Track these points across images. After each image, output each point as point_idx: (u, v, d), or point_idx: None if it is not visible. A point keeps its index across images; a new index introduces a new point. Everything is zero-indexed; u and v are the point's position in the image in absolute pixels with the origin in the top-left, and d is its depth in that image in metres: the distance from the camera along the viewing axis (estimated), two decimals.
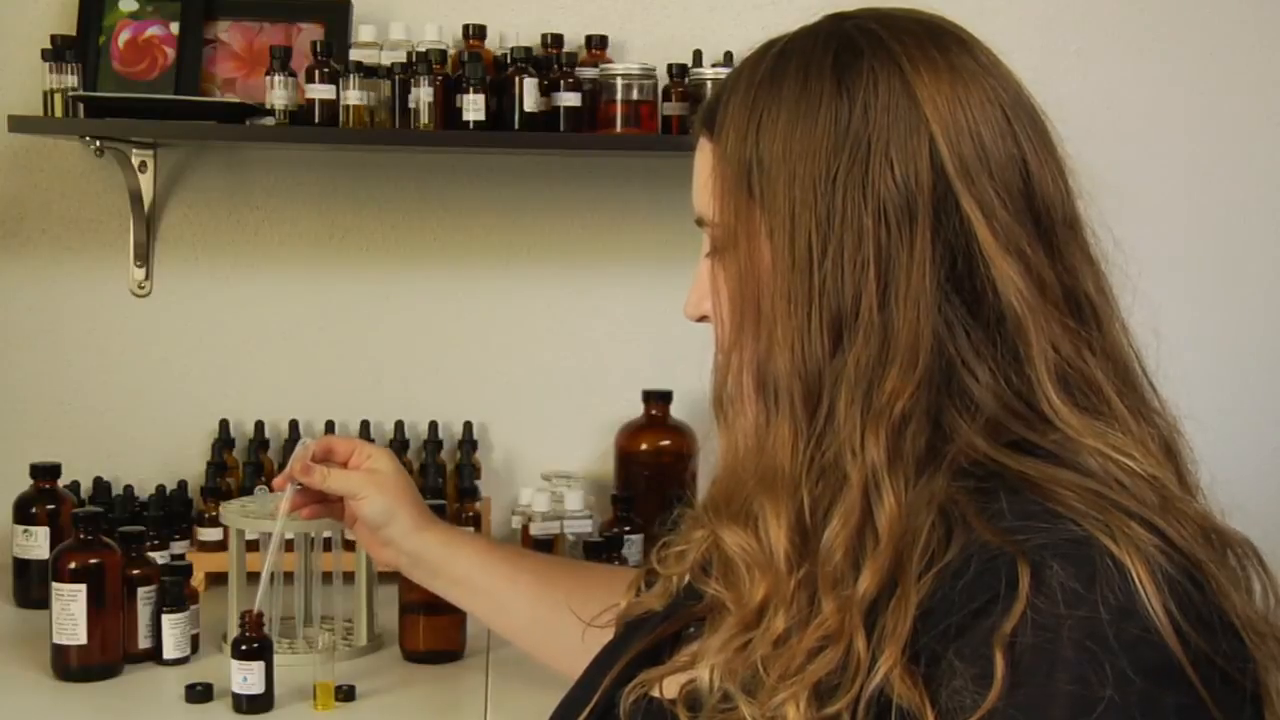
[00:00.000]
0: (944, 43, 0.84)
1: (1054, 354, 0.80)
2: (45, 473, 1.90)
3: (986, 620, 0.71)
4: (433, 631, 1.71)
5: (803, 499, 0.80)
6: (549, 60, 2.00)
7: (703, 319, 0.93)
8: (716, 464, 0.89)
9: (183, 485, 2.05)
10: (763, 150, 0.83)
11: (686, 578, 0.96)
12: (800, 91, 0.83)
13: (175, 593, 1.67)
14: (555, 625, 1.26)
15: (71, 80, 1.95)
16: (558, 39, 2.04)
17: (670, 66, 2.02)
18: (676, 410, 2.09)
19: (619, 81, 1.97)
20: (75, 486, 2.01)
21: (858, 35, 0.84)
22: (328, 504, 1.40)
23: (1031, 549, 0.72)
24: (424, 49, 1.96)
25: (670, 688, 0.85)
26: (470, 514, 2.02)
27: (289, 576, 1.74)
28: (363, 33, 2.04)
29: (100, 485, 2.02)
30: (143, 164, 2.09)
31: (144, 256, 2.12)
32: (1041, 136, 0.85)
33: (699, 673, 0.82)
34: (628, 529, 1.94)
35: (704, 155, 0.89)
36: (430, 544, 1.35)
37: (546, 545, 1.92)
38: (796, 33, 0.87)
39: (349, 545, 1.79)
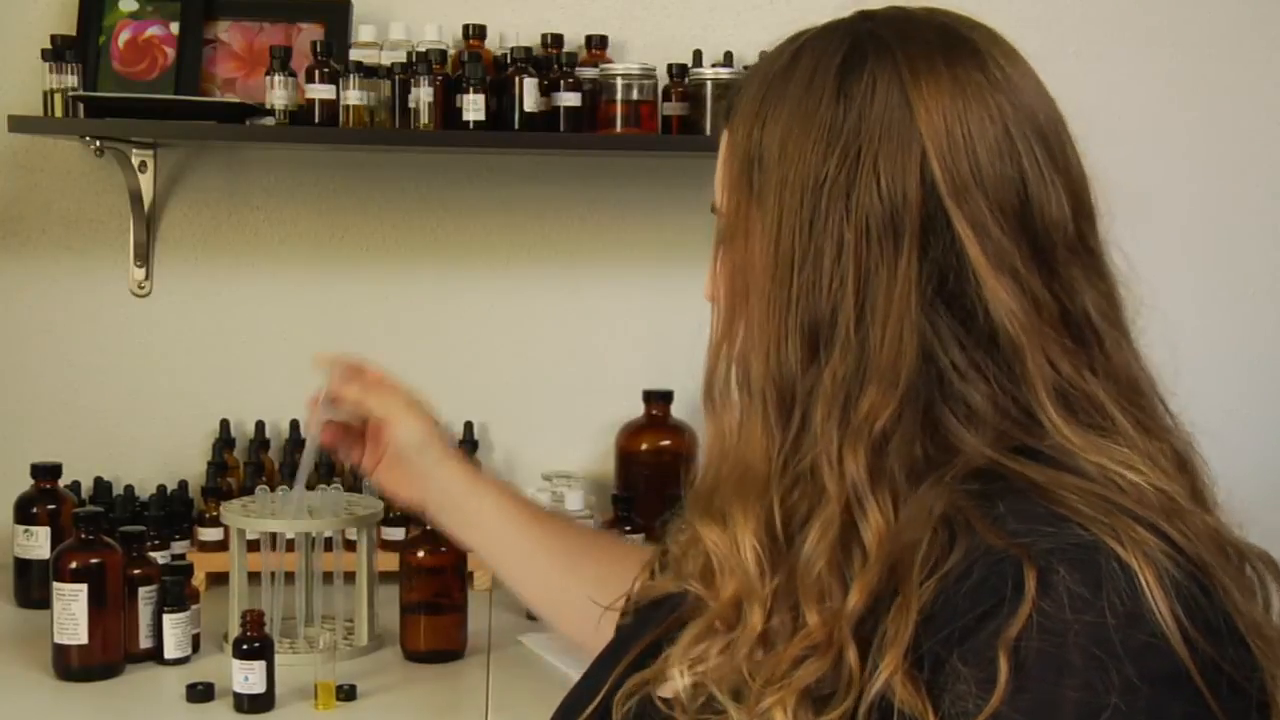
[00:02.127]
0: (955, 53, 0.82)
1: (1052, 372, 0.78)
2: (46, 473, 1.90)
3: (992, 624, 0.71)
4: (434, 631, 1.71)
5: (773, 502, 0.80)
6: (549, 60, 2.00)
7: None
8: (703, 454, 0.89)
9: (183, 485, 2.05)
10: (764, 146, 0.82)
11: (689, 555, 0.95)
12: (804, 91, 0.82)
13: (176, 592, 1.67)
14: (565, 590, 1.23)
15: (71, 80, 1.95)
16: (558, 39, 2.04)
17: (670, 66, 2.02)
18: (676, 410, 2.09)
19: (619, 81, 1.97)
20: (76, 486, 2.01)
21: (867, 39, 0.83)
22: (349, 437, 1.31)
23: (1038, 553, 0.71)
24: (424, 49, 1.96)
25: (667, 688, 0.85)
26: None
27: (289, 576, 1.74)
28: (363, 33, 2.04)
29: (101, 485, 2.02)
30: (143, 164, 2.09)
31: (144, 256, 2.12)
32: (1051, 156, 0.82)
33: (671, 673, 0.81)
34: (628, 529, 1.94)
35: (723, 142, 0.89)
36: (457, 478, 1.28)
37: None
38: (821, 27, 0.86)
39: (349, 545, 1.79)
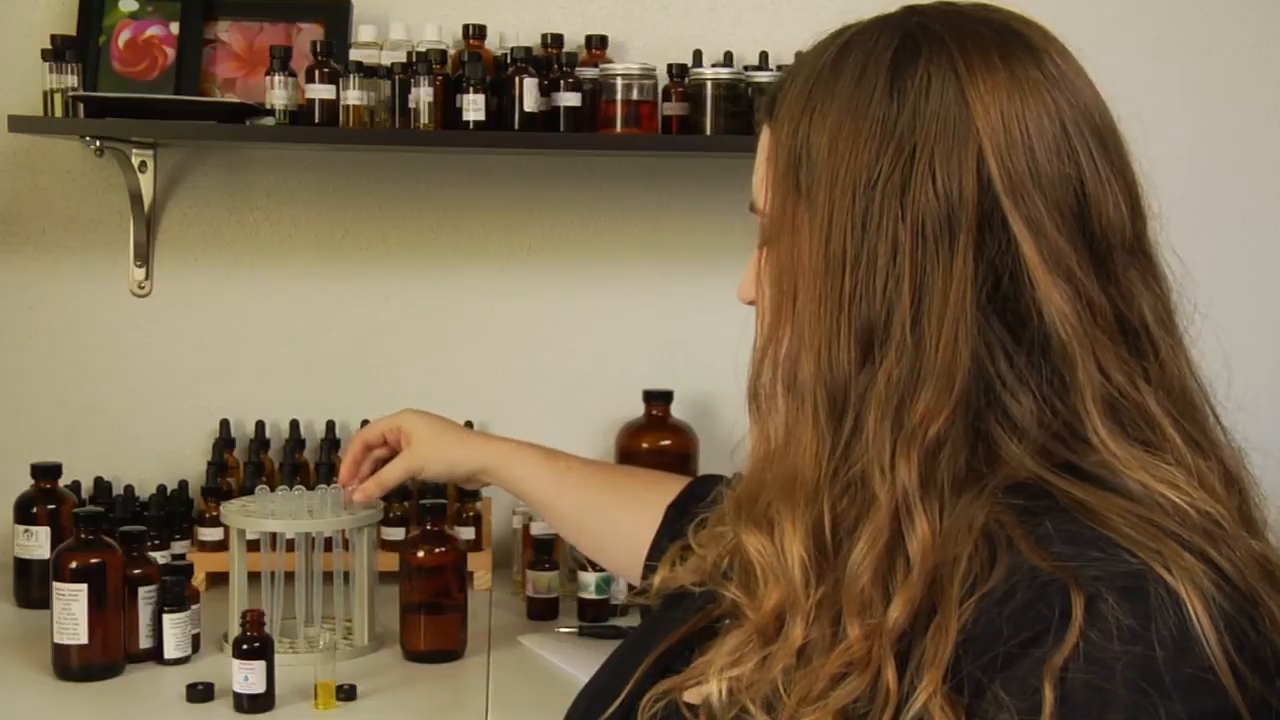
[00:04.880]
0: (1010, 49, 0.80)
1: (1103, 381, 0.76)
2: (46, 473, 1.90)
3: (1037, 651, 0.69)
4: (434, 631, 1.71)
5: (823, 510, 0.78)
6: (549, 60, 2.00)
7: (753, 303, 0.89)
8: (747, 458, 0.86)
9: (183, 485, 2.05)
10: (812, 144, 0.80)
11: (726, 560, 0.93)
12: (854, 87, 0.80)
13: (176, 592, 1.67)
14: (606, 543, 1.42)
15: (71, 80, 1.95)
16: (558, 39, 2.04)
17: (670, 66, 2.02)
18: (676, 410, 2.09)
19: (619, 81, 1.97)
20: (76, 486, 2.01)
21: (920, 34, 0.81)
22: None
23: (1086, 579, 0.69)
24: (424, 49, 1.96)
25: (694, 694, 0.83)
26: (471, 514, 2.02)
27: (289, 576, 1.74)
28: (363, 33, 2.04)
29: (101, 485, 2.02)
30: (143, 164, 2.09)
31: (144, 256, 2.12)
32: (1108, 156, 0.80)
33: (708, 681, 0.80)
34: None
35: (763, 141, 0.87)
36: (491, 469, 1.49)
37: (547, 545, 1.92)
38: (867, 22, 0.84)
39: (349, 545, 1.79)
